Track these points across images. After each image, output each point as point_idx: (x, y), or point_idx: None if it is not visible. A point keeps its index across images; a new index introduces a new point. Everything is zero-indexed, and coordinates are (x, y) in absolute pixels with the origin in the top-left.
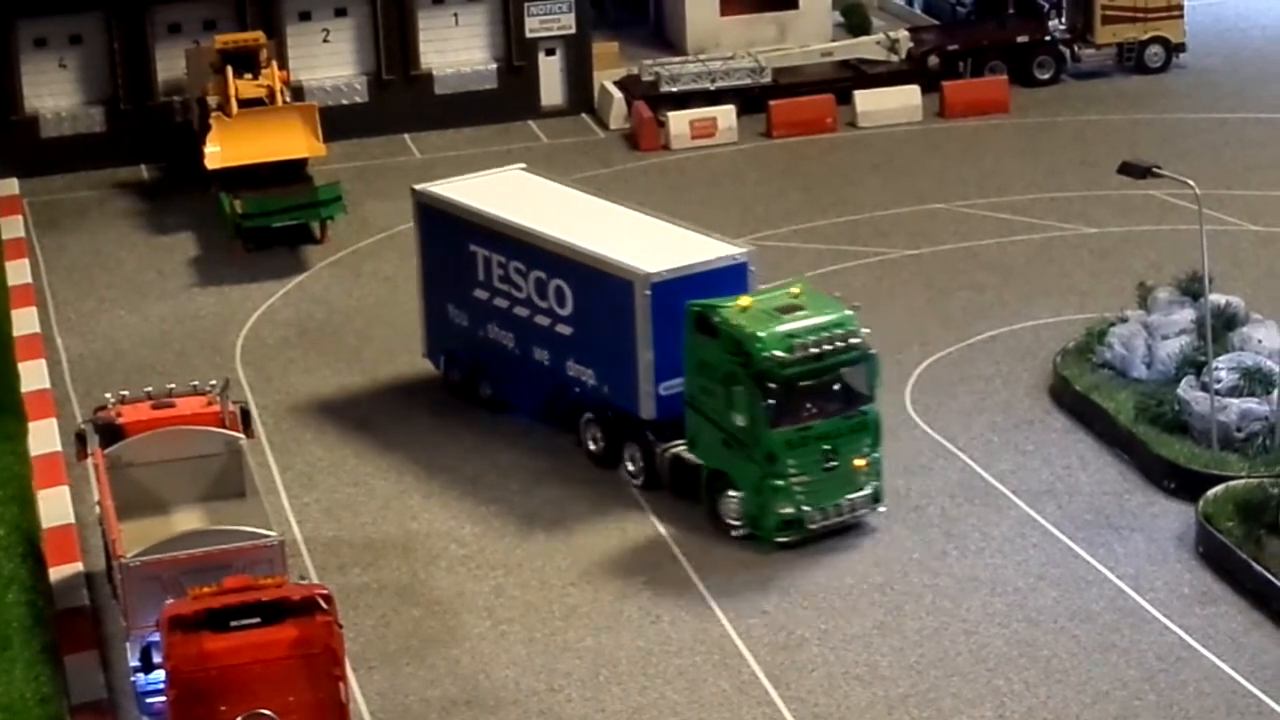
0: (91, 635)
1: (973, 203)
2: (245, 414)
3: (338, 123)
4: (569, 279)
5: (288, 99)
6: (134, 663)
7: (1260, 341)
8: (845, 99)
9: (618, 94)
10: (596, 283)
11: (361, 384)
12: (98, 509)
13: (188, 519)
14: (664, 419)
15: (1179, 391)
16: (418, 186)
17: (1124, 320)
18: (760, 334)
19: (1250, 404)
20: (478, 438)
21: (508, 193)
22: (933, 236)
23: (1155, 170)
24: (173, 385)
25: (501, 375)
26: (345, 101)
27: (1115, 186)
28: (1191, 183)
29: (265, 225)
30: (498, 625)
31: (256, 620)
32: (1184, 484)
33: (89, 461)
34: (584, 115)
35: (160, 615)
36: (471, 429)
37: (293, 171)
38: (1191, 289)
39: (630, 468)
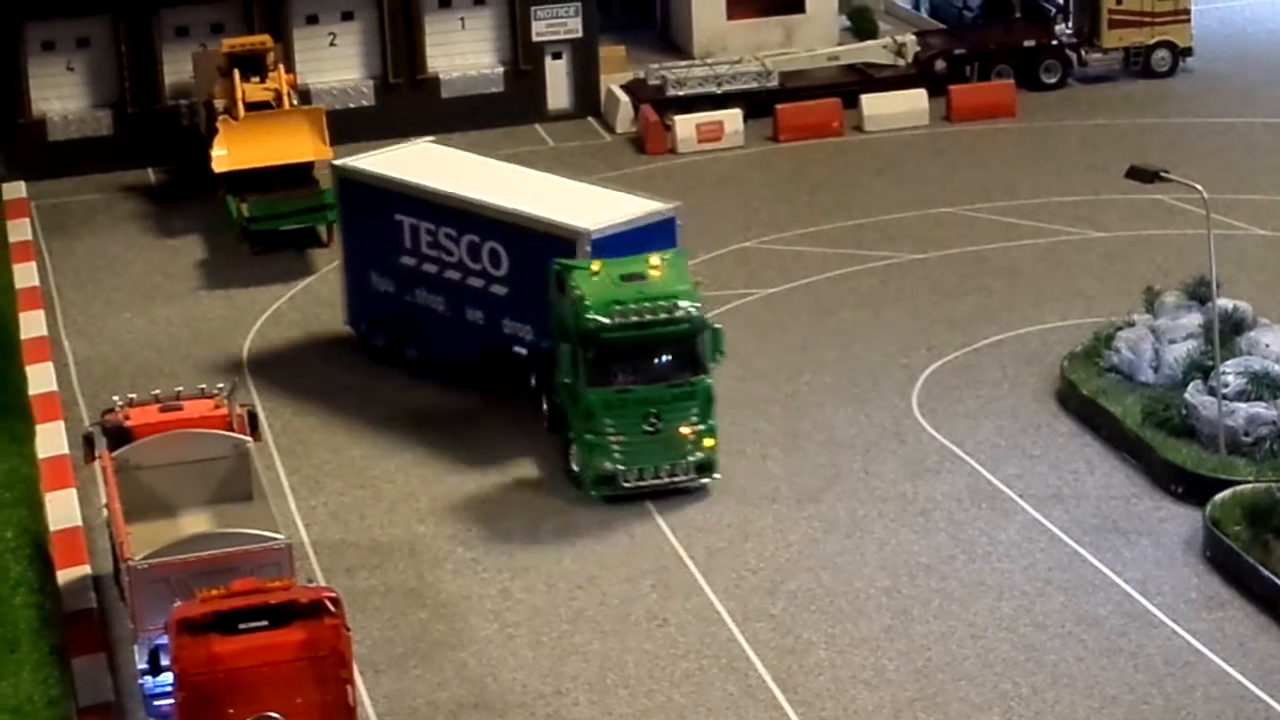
0: (99, 638)
1: (979, 207)
2: (253, 417)
3: (344, 126)
4: (504, 241)
5: (295, 102)
6: (142, 665)
7: (1268, 346)
8: (852, 103)
9: (624, 98)
10: (535, 243)
11: (368, 386)
12: (105, 511)
13: (195, 522)
14: None
15: (1186, 396)
16: (337, 161)
17: (1131, 324)
18: (588, 297)
19: (1258, 408)
20: (486, 443)
21: (428, 163)
22: (939, 241)
23: (1163, 174)
24: (180, 388)
25: (431, 338)
26: (352, 105)
27: (1122, 191)
28: (1199, 187)
29: (272, 228)
30: (504, 628)
31: (264, 623)
32: (1191, 488)
33: (97, 464)
34: (590, 119)
35: (168, 618)
36: (481, 432)
37: (299, 175)
38: (1199, 293)
39: (545, 407)
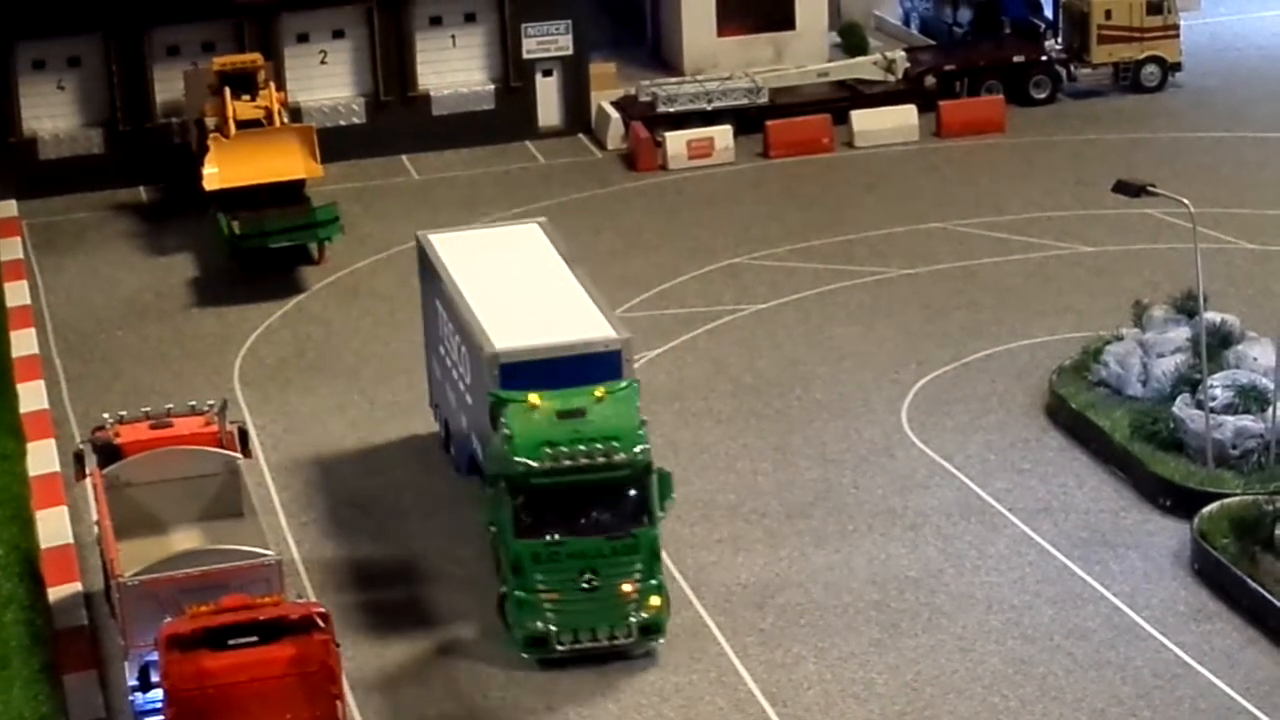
0: (90, 654)
1: (969, 222)
2: (243, 434)
3: (335, 144)
4: (467, 347)
5: (285, 120)
6: (132, 681)
7: (1255, 359)
8: (842, 119)
9: (615, 114)
10: (473, 354)
11: (359, 404)
12: (96, 529)
13: (185, 538)
14: None
15: (1174, 409)
16: (419, 232)
17: (1119, 338)
18: (518, 437)
19: (1245, 421)
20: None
21: (491, 248)
22: (929, 256)
23: (1150, 189)
24: (171, 405)
25: (453, 437)
26: (343, 122)
27: (1111, 206)
28: (1186, 201)
29: (263, 246)
30: (497, 645)
31: (254, 639)
32: (1179, 501)
33: (87, 481)
34: (581, 136)
35: (158, 634)
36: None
37: (290, 192)
38: (1187, 307)
39: None
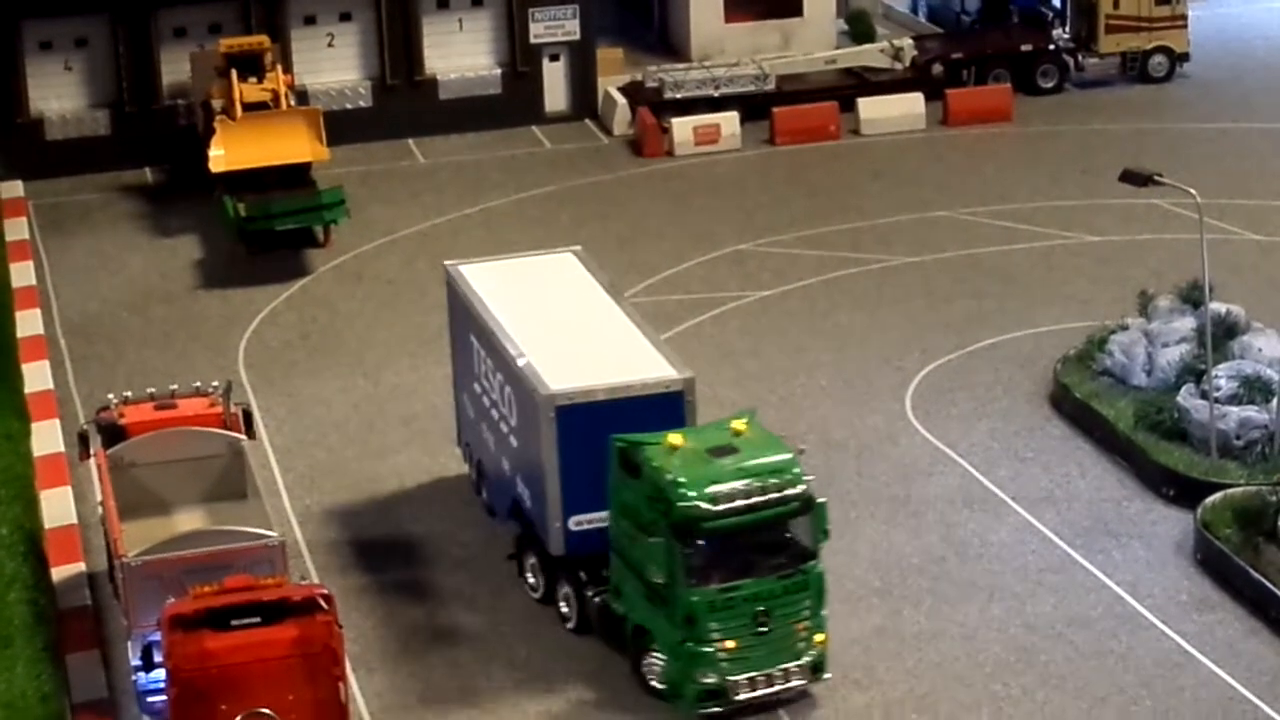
0: (93, 634)
1: (975, 210)
2: (247, 416)
3: (341, 127)
4: (513, 387)
5: (292, 103)
6: (135, 662)
7: (1260, 350)
8: (849, 106)
9: (621, 100)
10: (523, 396)
11: (363, 387)
12: (100, 509)
13: (189, 519)
14: (576, 555)
15: (1179, 399)
16: (448, 263)
17: (1124, 328)
18: (683, 480)
19: (1249, 412)
20: None
21: (523, 281)
22: (935, 244)
23: (1157, 178)
24: (175, 386)
25: (488, 479)
26: (349, 106)
27: (1117, 195)
28: (1193, 191)
29: (269, 228)
30: (498, 626)
31: (257, 620)
32: (1183, 491)
33: (91, 462)
34: (587, 121)
35: (161, 614)
36: None
37: (296, 175)
38: (1192, 297)
39: (564, 609)
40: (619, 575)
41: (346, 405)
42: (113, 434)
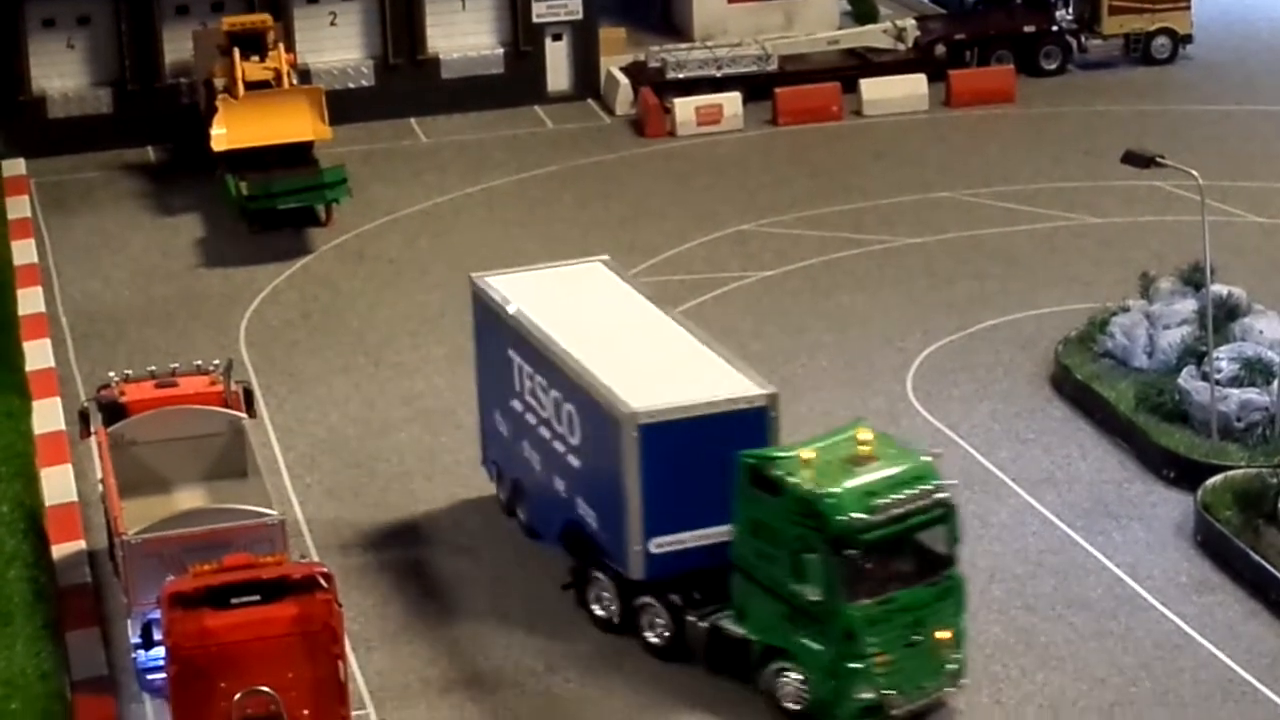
0: (93, 612)
1: (977, 192)
2: (248, 394)
3: (344, 106)
4: (576, 404)
5: (294, 82)
6: (135, 639)
7: (1261, 332)
8: (851, 87)
9: (624, 80)
10: (594, 414)
11: (364, 366)
12: (100, 487)
13: (189, 497)
14: (657, 578)
15: (1179, 381)
16: (475, 275)
17: (1126, 310)
18: (834, 491)
19: (1250, 394)
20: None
21: (561, 292)
22: (937, 225)
23: (1159, 160)
24: (176, 365)
25: (530, 500)
26: (351, 85)
27: (1120, 177)
28: (1195, 173)
29: (270, 207)
30: (498, 607)
31: (256, 598)
32: (1183, 473)
33: (92, 439)
34: (590, 101)
35: (161, 592)
36: (475, 414)
37: (298, 154)
38: (1194, 279)
39: (650, 637)
40: (745, 597)
41: (347, 384)
42: (113, 412)
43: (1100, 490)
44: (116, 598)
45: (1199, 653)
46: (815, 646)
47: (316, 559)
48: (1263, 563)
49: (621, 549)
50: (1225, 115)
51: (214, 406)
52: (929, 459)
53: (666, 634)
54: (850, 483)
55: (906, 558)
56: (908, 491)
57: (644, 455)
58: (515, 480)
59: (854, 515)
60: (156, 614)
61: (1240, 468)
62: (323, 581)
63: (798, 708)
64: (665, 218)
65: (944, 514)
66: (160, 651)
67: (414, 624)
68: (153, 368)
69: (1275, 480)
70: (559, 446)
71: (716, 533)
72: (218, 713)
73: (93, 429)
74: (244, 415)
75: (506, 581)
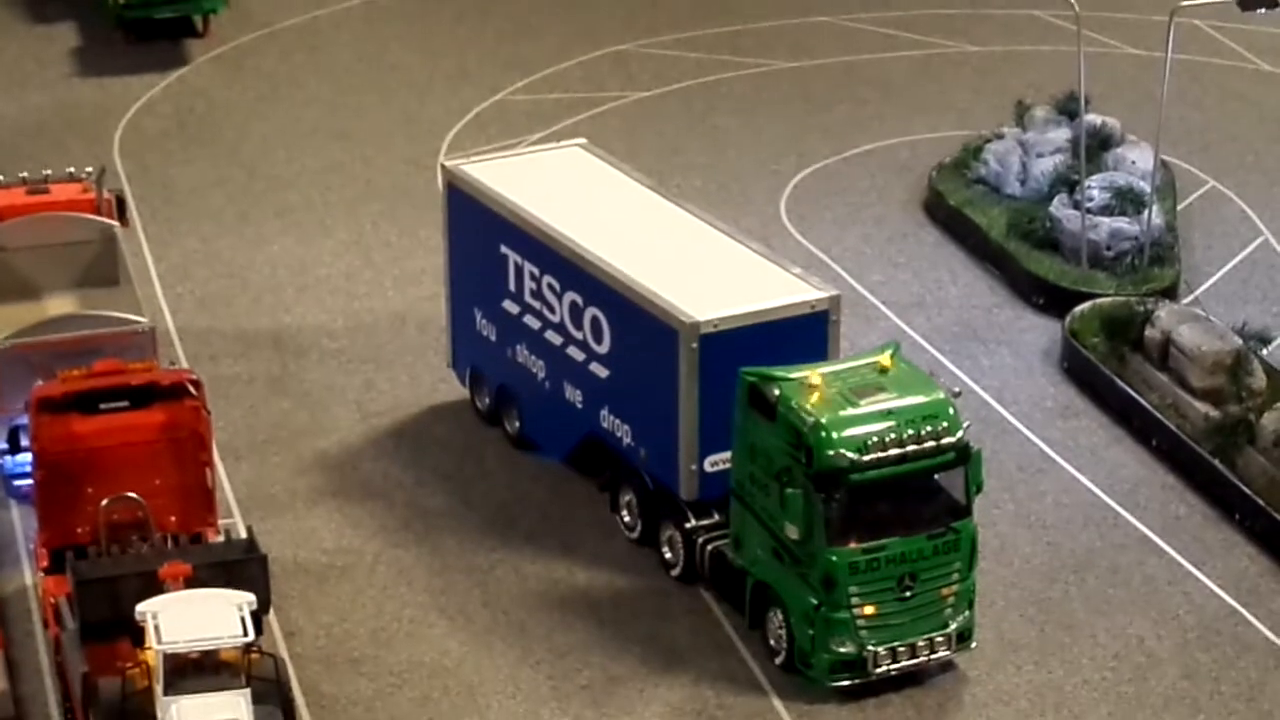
0: None
1: (856, 16)
2: (120, 202)
3: None
4: (607, 310)
5: None
6: (1, 445)
7: (1134, 162)
8: None
9: None
10: (637, 322)
11: (239, 178)
12: None
13: (60, 304)
14: (708, 499)
15: (1051, 209)
16: (448, 163)
17: (1000, 137)
18: (826, 424)
19: (1120, 223)
20: (353, 233)
21: (557, 181)
22: (814, 49)
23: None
24: (48, 171)
25: (529, 409)
26: None
27: (999, 5)
28: (1074, 2)
29: (147, 16)
30: (367, 419)
31: (125, 404)
32: (1052, 300)
33: None
34: None
35: (28, 397)
36: (349, 224)
37: None
38: (1068, 108)
39: (667, 553)
40: (741, 524)
41: (221, 196)
42: None
43: (969, 315)
44: None
45: (1062, 476)
46: (796, 589)
47: (186, 367)
48: (1128, 389)
49: (669, 467)
50: None
51: (86, 213)
52: (946, 396)
53: (680, 553)
54: (847, 415)
55: (906, 503)
56: (912, 430)
57: (703, 368)
58: (503, 386)
59: (842, 452)
60: (24, 419)
61: (1108, 296)
62: (191, 388)
63: (778, 661)
64: (544, 35)
65: (955, 459)
66: (27, 457)
67: (283, 434)
68: (24, 174)
69: (1142, 308)
70: (576, 354)
71: None
72: (84, 518)
73: None
74: (116, 223)
75: (376, 394)
